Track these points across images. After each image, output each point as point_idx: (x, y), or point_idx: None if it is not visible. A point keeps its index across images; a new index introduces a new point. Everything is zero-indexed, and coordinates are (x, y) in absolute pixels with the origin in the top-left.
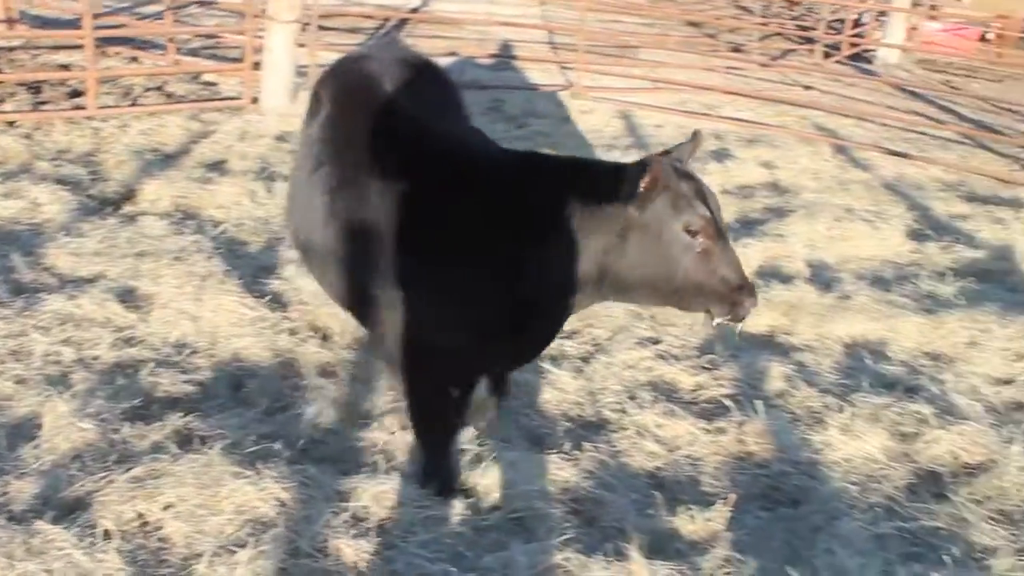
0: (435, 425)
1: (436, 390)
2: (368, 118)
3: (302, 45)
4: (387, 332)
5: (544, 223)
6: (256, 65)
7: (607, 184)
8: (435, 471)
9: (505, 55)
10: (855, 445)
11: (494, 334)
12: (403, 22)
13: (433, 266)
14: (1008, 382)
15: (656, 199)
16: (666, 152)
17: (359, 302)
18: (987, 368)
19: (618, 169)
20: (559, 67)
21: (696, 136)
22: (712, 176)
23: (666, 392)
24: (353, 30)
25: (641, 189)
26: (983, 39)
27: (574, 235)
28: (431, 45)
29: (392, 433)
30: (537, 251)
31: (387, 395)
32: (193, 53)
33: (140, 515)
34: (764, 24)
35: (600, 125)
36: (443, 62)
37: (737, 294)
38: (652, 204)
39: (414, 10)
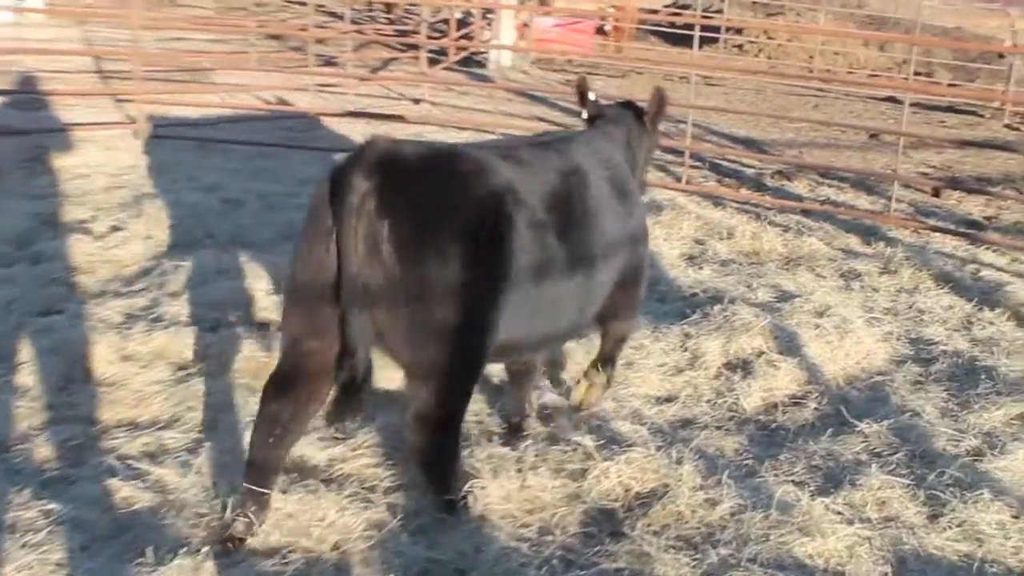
0: None
1: None
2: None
3: None
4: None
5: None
6: None
7: (638, 115)
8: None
9: (39, 91)
10: (519, 496)
11: None
12: None
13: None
14: (670, 399)
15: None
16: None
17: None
18: (646, 388)
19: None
20: (114, 100)
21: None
22: None
23: (300, 471)
24: None
25: (654, 112)
26: (600, 32)
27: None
28: None
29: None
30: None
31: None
32: None
33: None
34: (358, 32)
35: (171, 162)
36: None
37: None
38: (660, 122)
39: None
